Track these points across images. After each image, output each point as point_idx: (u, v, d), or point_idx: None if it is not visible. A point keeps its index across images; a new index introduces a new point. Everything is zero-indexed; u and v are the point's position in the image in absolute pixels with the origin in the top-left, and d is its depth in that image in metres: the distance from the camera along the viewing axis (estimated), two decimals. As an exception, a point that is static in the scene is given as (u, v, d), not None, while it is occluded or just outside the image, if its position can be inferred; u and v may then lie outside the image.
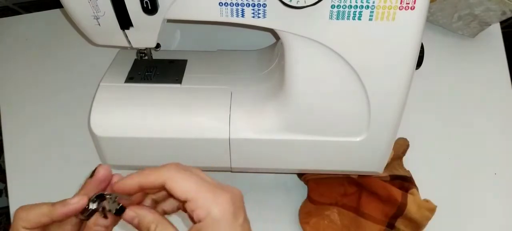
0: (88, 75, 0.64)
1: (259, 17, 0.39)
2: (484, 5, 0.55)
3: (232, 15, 0.40)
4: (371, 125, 0.45)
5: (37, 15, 0.66)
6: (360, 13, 0.38)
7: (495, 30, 0.63)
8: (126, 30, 0.43)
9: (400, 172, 0.55)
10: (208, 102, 0.48)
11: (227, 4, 0.39)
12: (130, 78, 0.51)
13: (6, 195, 0.61)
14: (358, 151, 0.47)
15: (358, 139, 0.46)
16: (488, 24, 0.59)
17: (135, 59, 0.54)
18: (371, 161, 0.49)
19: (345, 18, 0.38)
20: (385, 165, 0.49)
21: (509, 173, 0.60)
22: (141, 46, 0.47)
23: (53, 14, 0.66)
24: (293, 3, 0.36)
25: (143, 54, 0.53)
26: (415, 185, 0.54)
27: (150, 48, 0.53)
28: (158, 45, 0.50)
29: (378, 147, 0.47)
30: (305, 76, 0.42)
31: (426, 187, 0.55)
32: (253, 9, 0.39)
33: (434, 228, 0.52)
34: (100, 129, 0.47)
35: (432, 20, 0.62)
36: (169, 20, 0.43)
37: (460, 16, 0.58)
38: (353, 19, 0.38)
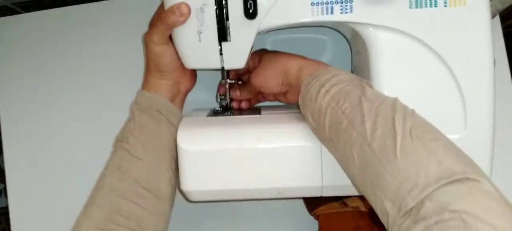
0: (88, 75, 0.64)
1: (346, 12, 0.44)
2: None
3: (322, 14, 0.44)
4: (467, 119, 0.44)
5: (36, 14, 0.66)
6: (435, 1, 0.43)
7: (495, 30, 0.63)
8: (222, 44, 0.46)
9: None
10: (294, 122, 0.47)
11: (318, 3, 0.44)
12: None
13: (6, 195, 0.61)
14: None
15: (456, 136, 0.44)
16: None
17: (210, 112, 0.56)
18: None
19: (423, 6, 0.43)
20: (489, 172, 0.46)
21: (509, 173, 0.60)
22: (232, 65, 0.48)
23: (53, 14, 0.65)
24: None
25: (223, 97, 0.55)
26: None
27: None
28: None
29: (479, 145, 0.45)
30: (391, 68, 0.44)
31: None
32: (341, 6, 0.44)
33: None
34: (186, 143, 0.45)
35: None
36: (260, 33, 0.46)
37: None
38: (430, 6, 0.43)
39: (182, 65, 0.48)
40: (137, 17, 0.64)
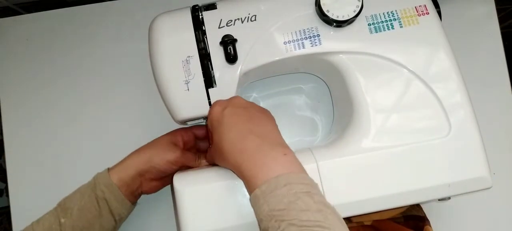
0: (89, 75, 0.64)
1: (316, 45, 0.48)
2: None
3: (295, 49, 0.48)
4: (450, 121, 0.46)
5: (37, 15, 0.66)
6: (391, 24, 0.47)
7: (495, 30, 0.63)
8: (209, 91, 0.48)
9: (413, 213, 0.53)
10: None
11: (290, 41, 0.48)
12: None
13: (7, 195, 0.61)
14: (450, 151, 0.46)
15: (444, 138, 0.45)
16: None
17: None
18: (469, 163, 0.46)
19: (381, 30, 0.47)
20: (487, 165, 0.46)
21: (509, 173, 0.60)
22: None
23: (54, 14, 0.66)
24: (334, 17, 0.45)
25: None
26: (429, 223, 0.52)
27: None
28: None
29: (467, 140, 0.46)
30: (368, 88, 0.47)
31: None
32: (310, 40, 0.48)
33: (434, 228, 0.52)
34: (182, 185, 0.45)
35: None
36: (243, 76, 0.48)
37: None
38: (388, 29, 0.47)
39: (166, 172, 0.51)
40: (137, 18, 0.65)
